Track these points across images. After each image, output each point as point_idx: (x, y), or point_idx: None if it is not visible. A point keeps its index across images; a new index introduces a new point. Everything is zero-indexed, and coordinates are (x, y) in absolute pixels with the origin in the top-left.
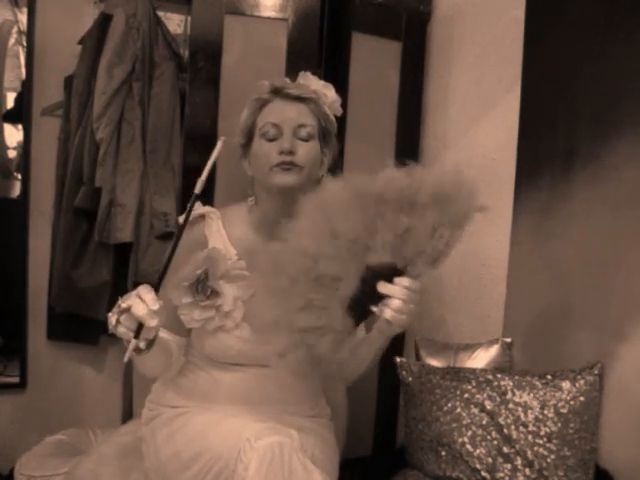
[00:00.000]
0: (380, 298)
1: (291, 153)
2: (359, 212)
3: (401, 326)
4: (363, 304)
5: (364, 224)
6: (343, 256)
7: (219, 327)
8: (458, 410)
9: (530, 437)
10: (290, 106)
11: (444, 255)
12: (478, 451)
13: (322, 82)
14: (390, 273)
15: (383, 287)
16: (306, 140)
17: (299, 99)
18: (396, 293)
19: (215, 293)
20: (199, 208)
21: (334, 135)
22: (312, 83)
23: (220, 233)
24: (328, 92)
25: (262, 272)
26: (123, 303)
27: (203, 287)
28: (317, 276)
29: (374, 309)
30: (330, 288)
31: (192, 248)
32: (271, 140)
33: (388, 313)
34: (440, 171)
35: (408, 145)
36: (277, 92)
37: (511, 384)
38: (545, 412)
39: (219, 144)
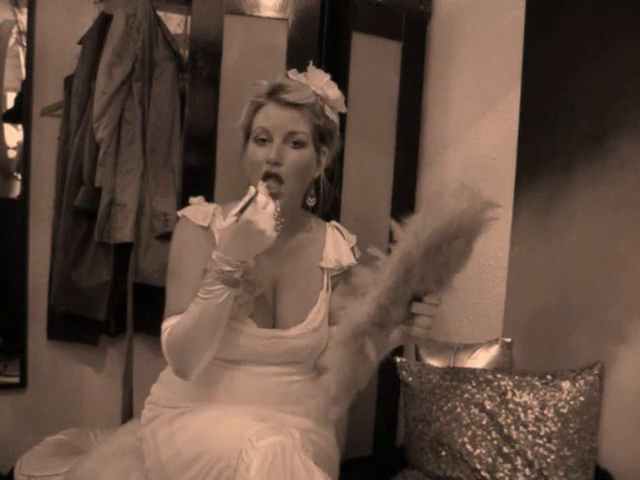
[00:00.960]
0: (407, 315)
1: (277, 164)
2: (426, 254)
3: (425, 339)
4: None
5: (427, 264)
6: (406, 298)
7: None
8: (458, 410)
9: (530, 437)
10: (283, 112)
11: (463, 267)
12: (478, 451)
13: (327, 78)
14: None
15: (417, 308)
16: (297, 147)
17: (293, 105)
18: (427, 312)
19: None
20: (205, 204)
21: (336, 133)
22: (317, 78)
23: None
24: (331, 91)
25: (344, 339)
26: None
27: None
28: (382, 323)
29: (403, 328)
30: (386, 329)
31: (201, 240)
32: (262, 145)
33: (419, 331)
34: (467, 199)
35: (408, 145)
36: (272, 95)
37: (511, 384)
38: (545, 412)
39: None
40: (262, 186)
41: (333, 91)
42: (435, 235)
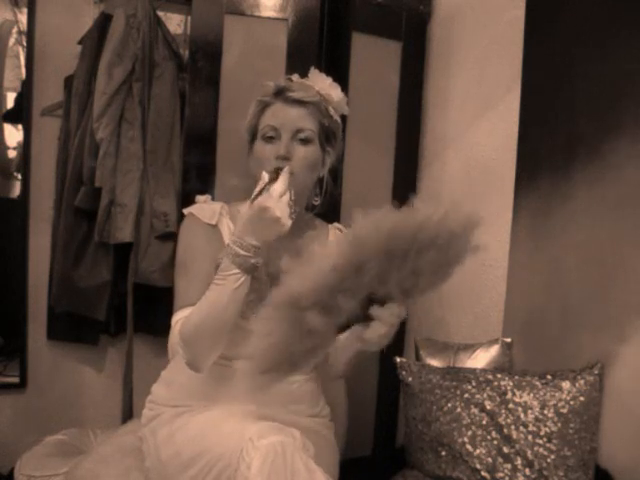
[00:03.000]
0: (365, 317)
1: (286, 159)
2: (387, 254)
3: (377, 347)
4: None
5: (388, 265)
6: (359, 291)
7: None
8: (458, 410)
9: (530, 437)
10: (290, 109)
11: (437, 286)
12: (478, 451)
13: (329, 81)
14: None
15: (375, 311)
16: (304, 144)
17: (300, 102)
18: (386, 319)
19: None
20: (212, 203)
21: (339, 135)
22: (320, 81)
23: (229, 228)
24: (334, 92)
25: (279, 302)
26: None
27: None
28: (328, 306)
29: (357, 328)
30: (333, 316)
31: (210, 237)
32: (270, 142)
33: (371, 336)
34: (443, 210)
35: (408, 145)
36: (279, 94)
37: (511, 384)
38: (545, 412)
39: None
40: (285, 173)
41: (336, 92)
42: (398, 233)
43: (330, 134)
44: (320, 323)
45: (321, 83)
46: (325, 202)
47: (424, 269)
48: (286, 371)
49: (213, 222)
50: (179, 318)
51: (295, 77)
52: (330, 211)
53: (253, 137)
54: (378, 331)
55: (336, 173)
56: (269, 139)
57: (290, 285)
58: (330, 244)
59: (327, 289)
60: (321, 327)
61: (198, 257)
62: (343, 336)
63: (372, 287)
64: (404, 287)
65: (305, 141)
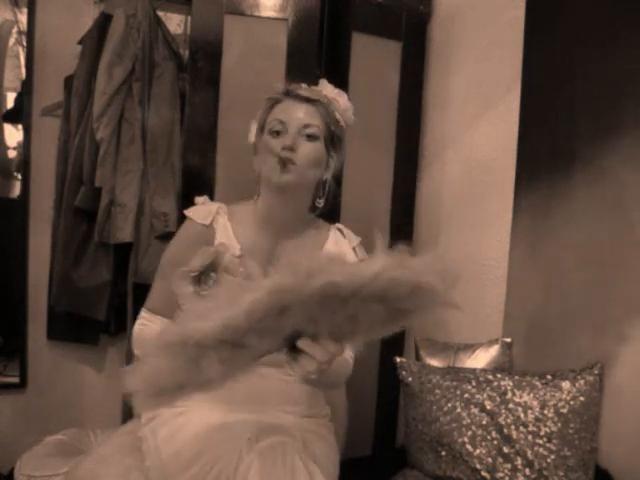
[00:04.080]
0: (294, 348)
1: (292, 150)
2: (319, 302)
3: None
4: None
5: (320, 310)
6: (281, 330)
7: None
8: (458, 410)
9: (530, 437)
10: (299, 106)
11: (378, 335)
12: (478, 451)
13: (336, 90)
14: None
15: (303, 344)
16: (310, 140)
17: (309, 100)
18: (315, 354)
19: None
20: (210, 203)
21: (344, 142)
22: (326, 89)
23: (226, 228)
24: (341, 99)
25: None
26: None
27: (206, 278)
28: (239, 344)
29: (285, 356)
30: (247, 350)
31: (199, 240)
32: (277, 136)
33: (298, 371)
34: (402, 266)
35: (408, 145)
36: (288, 93)
37: (511, 384)
38: (545, 412)
39: None
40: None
41: (343, 100)
42: (332, 288)
43: (335, 138)
44: (228, 357)
45: (329, 90)
46: (327, 203)
47: (366, 318)
48: (167, 400)
49: (207, 222)
50: (142, 319)
51: (304, 85)
52: (330, 211)
53: (260, 135)
54: (306, 367)
55: (339, 179)
56: (276, 133)
57: (182, 326)
58: (251, 287)
59: (235, 331)
60: (228, 361)
61: (178, 264)
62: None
63: (298, 326)
64: (337, 331)
65: (311, 137)
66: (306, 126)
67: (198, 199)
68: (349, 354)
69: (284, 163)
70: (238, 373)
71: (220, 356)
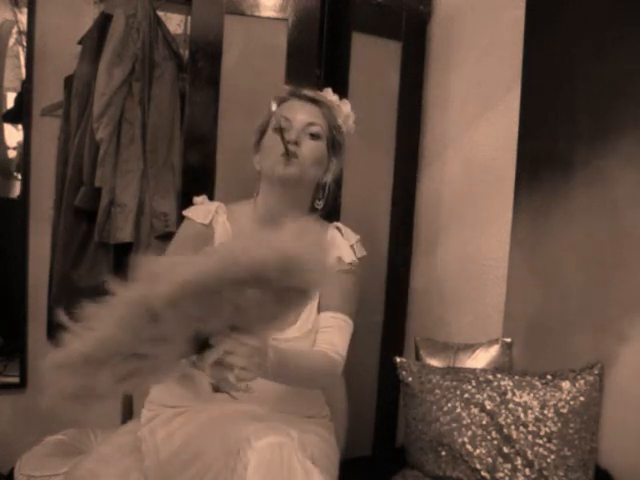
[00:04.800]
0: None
1: (296, 144)
2: (197, 298)
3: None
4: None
5: (196, 308)
6: (171, 335)
7: None
8: (458, 410)
9: (530, 437)
10: (304, 105)
11: (275, 323)
12: (478, 451)
13: (340, 98)
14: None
15: (214, 341)
16: (313, 138)
17: (313, 101)
18: (230, 347)
19: None
20: (209, 203)
21: (344, 148)
22: (330, 96)
23: (225, 227)
24: (344, 106)
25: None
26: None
27: None
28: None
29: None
30: (145, 360)
31: (199, 239)
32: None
33: (207, 370)
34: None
35: (408, 145)
36: (294, 93)
37: (511, 384)
38: (545, 412)
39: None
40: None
41: (346, 107)
42: (190, 286)
43: (336, 143)
44: (126, 368)
45: (333, 97)
46: (326, 205)
47: (251, 305)
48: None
49: (206, 222)
50: None
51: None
52: (330, 212)
53: (262, 134)
54: (237, 363)
55: (339, 180)
56: (280, 130)
57: (68, 348)
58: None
59: (115, 344)
60: (127, 372)
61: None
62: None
63: (187, 328)
64: (237, 323)
65: (314, 136)
66: (310, 124)
67: (197, 199)
68: (338, 352)
69: (288, 156)
70: (161, 376)
71: (115, 369)
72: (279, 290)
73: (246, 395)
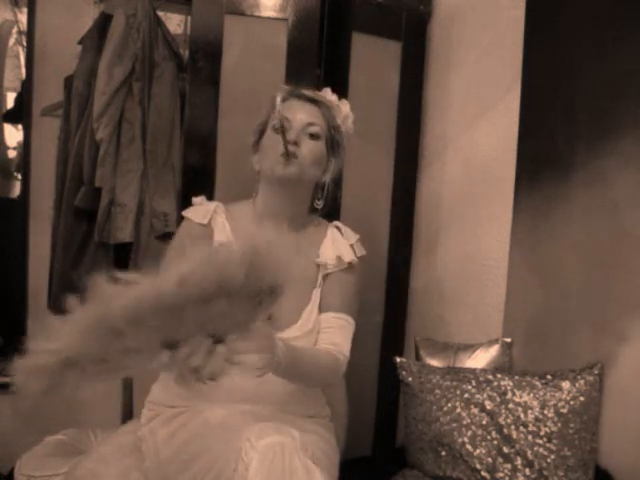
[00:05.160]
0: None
1: (296, 144)
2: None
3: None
4: None
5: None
6: (141, 346)
7: None
8: (458, 410)
9: (530, 437)
10: (304, 105)
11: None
12: (478, 451)
13: (340, 99)
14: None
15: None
16: (313, 138)
17: (313, 101)
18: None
19: None
20: (207, 203)
21: (342, 148)
22: (329, 96)
23: (224, 226)
24: (343, 107)
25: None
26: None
27: None
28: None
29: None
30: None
31: (198, 239)
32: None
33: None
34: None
35: (408, 145)
36: (293, 93)
37: (511, 384)
38: (545, 412)
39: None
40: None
41: (345, 107)
42: (139, 306)
43: (335, 143)
44: (96, 370)
45: (332, 97)
46: (326, 205)
47: (223, 315)
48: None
49: (205, 221)
50: None
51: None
52: (330, 212)
53: (262, 133)
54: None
55: (337, 183)
56: (282, 129)
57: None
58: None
59: (82, 356)
60: (96, 373)
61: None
62: None
63: (157, 338)
64: (210, 332)
65: (314, 136)
66: (309, 124)
67: (195, 199)
68: (341, 352)
69: (288, 156)
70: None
71: (85, 371)
72: (244, 296)
73: (246, 395)
